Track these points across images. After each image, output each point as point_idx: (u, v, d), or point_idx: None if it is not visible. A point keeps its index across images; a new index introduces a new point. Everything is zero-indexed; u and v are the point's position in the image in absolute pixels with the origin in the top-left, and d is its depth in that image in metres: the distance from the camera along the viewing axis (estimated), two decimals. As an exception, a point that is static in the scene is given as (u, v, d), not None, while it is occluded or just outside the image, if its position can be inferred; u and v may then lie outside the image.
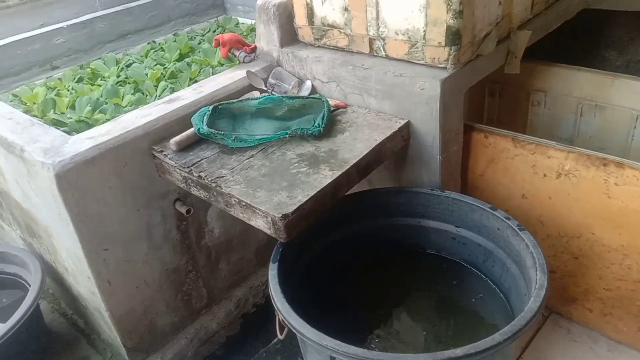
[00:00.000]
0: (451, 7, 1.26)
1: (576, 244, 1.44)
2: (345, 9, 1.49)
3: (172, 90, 2.62)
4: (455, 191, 1.52)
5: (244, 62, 1.75)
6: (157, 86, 2.74)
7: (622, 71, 2.28)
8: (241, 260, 1.82)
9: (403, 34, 1.40)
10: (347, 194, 1.39)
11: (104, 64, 3.08)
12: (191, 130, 1.45)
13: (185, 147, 1.43)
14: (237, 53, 1.76)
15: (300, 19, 1.63)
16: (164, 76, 2.83)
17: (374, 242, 1.49)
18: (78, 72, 3.01)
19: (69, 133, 1.72)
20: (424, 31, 1.35)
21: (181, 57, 3.09)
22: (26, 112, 2.52)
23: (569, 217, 1.41)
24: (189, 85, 2.68)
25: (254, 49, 1.76)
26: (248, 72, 1.64)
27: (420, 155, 1.46)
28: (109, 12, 3.25)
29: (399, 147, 1.45)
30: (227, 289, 1.84)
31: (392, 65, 1.44)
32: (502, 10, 1.44)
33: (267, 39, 1.71)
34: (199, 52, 3.10)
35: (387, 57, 1.47)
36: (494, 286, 1.34)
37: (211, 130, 1.40)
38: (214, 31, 3.45)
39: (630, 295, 1.41)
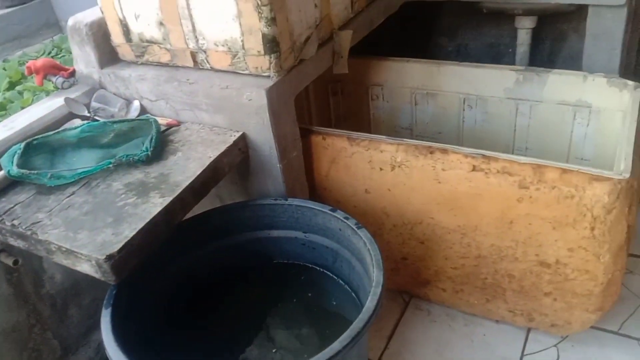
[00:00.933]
0: (263, 15, 1.24)
1: (420, 229, 1.50)
2: (161, 24, 1.41)
3: None
4: (303, 196, 1.52)
5: (62, 88, 1.60)
6: (-19, 121, 2.46)
7: (454, 56, 2.45)
8: (94, 301, 1.68)
9: (223, 45, 1.36)
10: (190, 217, 1.33)
11: None
12: (0, 173, 1.29)
13: (-6, 193, 1.27)
14: (53, 79, 1.60)
15: (116, 37, 1.53)
16: (-9, 109, 2.55)
17: (227, 261, 1.44)
18: None
19: None
20: (242, 41, 1.31)
21: (12, 86, 2.80)
22: None
23: (409, 206, 1.47)
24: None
25: (72, 73, 1.61)
26: (66, 99, 1.51)
27: (261, 166, 1.43)
28: None
29: (238, 160, 1.41)
30: (83, 335, 1.68)
31: (218, 78, 1.39)
32: (319, 12, 1.45)
33: (84, 61, 1.58)
34: (32, 77, 2.84)
35: (213, 69, 1.42)
36: (345, 286, 1.35)
37: (22, 171, 1.25)
38: (49, 52, 3.18)
39: (475, 270, 1.50)
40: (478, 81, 1.78)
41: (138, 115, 1.52)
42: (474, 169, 1.32)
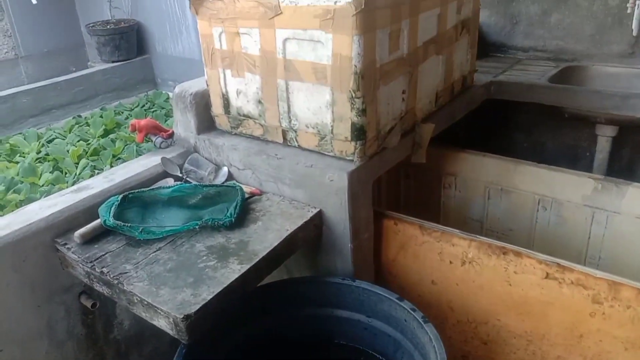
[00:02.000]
0: (355, 106, 1.33)
1: (484, 329, 1.47)
2: (259, 102, 1.54)
3: (93, 169, 2.57)
4: (368, 278, 1.55)
5: (160, 147, 1.74)
6: (77, 164, 2.68)
7: (529, 152, 2.46)
8: (155, 351, 1.74)
9: (313, 127, 1.45)
10: (259, 285, 1.38)
11: (25, 139, 2.99)
12: (97, 221, 1.40)
13: (91, 239, 1.38)
14: (153, 138, 1.75)
15: (216, 108, 1.67)
16: (86, 153, 2.78)
17: (288, 333, 1.47)
18: (-6, 148, 2.90)
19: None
20: (332, 126, 1.40)
21: (106, 133, 3.05)
22: None
23: (476, 304, 1.45)
24: (111, 164, 2.65)
25: (171, 135, 1.76)
26: (163, 158, 1.64)
27: (333, 243, 1.48)
28: (33, 87, 3.20)
29: (312, 235, 1.46)
30: (138, 383, 1.73)
31: (304, 156, 1.48)
32: (405, 105, 1.53)
33: (184, 126, 1.72)
34: (125, 127, 3.08)
35: (300, 147, 1.51)
36: (405, 378, 1.34)
37: (117, 222, 1.36)
38: (143, 106, 3.46)
39: (537, 379, 1.44)
40: (555, 184, 1.78)
41: (225, 181, 1.63)
42: (547, 276, 1.31)
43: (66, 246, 1.36)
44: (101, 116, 3.26)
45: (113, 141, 2.90)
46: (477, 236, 1.41)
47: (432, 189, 2.04)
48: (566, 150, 2.36)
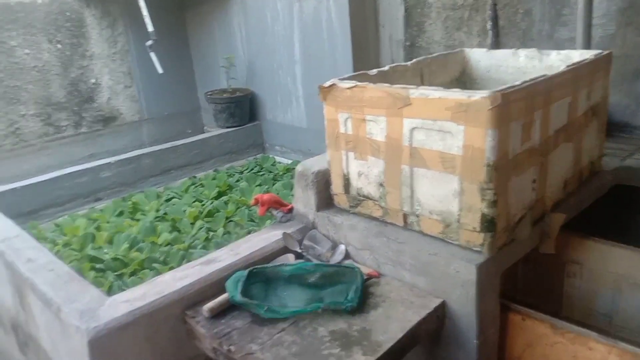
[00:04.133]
0: (485, 198, 1.31)
1: None
2: (381, 185, 1.55)
3: (208, 231, 2.70)
4: (491, 375, 1.46)
5: (280, 221, 1.80)
6: (193, 224, 2.83)
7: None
8: None
9: (437, 214, 1.44)
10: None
11: (145, 197, 3.23)
12: (224, 296, 1.46)
13: (218, 313, 1.43)
14: (274, 212, 1.82)
15: (336, 188, 1.71)
16: (201, 214, 2.94)
17: None
18: (120, 205, 3.15)
19: (108, 290, 1.78)
20: (459, 215, 1.38)
21: (219, 195, 3.22)
22: (65, 245, 2.61)
23: (616, 417, 1.32)
24: (224, 225, 2.78)
25: (290, 210, 1.82)
26: (285, 234, 1.69)
27: (455, 337, 1.42)
28: (155, 150, 3.47)
29: (434, 327, 1.42)
30: None
31: (427, 243, 1.46)
32: (535, 194, 1.48)
33: (304, 202, 1.78)
34: (237, 190, 3.23)
35: (421, 232, 1.50)
36: None
37: (245, 299, 1.41)
38: (252, 169, 3.62)
39: None
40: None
41: (342, 260, 1.64)
42: None
43: (195, 319, 1.42)
44: (214, 178, 3.45)
45: (226, 203, 3.04)
46: (619, 342, 1.30)
47: (554, 276, 1.92)
48: None
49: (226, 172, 3.53)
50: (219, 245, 2.47)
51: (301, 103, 3.41)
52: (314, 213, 1.75)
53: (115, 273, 2.35)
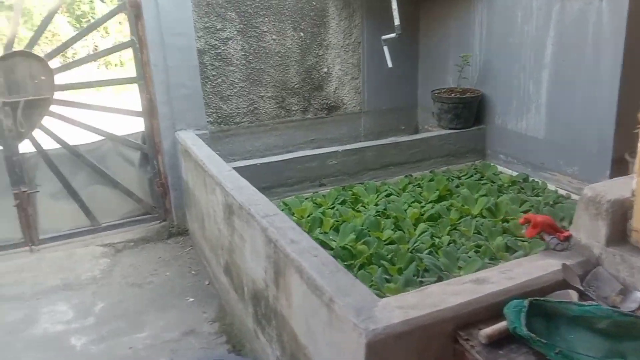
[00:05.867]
0: None
1: None
2: None
3: (432, 236, 2.60)
4: None
5: (554, 249, 1.60)
6: (415, 225, 2.76)
7: None
8: None
9: None
10: None
11: (365, 190, 3.25)
12: (503, 324, 1.32)
13: (494, 342, 1.31)
14: (547, 238, 1.63)
15: (637, 222, 1.45)
16: (422, 216, 2.85)
17: None
18: (341, 193, 3.22)
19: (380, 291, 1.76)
20: None
21: (439, 199, 3.09)
22: (297, 223, 2.74)
23: None
24: (448, 232, 2.65)
25: (567, 238, 1.61)
26: (565, 266, 1.49)
27: None
28: (377, 144, 3.48)
29: None
30: None
31: None
32: None
33: (588, 233, 1.55)
34: (458, 197, 3.08)
35: None
36: None
37: (531, 335, 1.25)
38: (471, 176, 3.43)
39: None
40: None
41: (637, 309, 1.39)
42: None
43: (469, 342, 1.32)
44: (431, 179, 3.34)
45: (448, 209, 2.91)
46: None
47: None
48: None
49: (444, 176, 3.39)
50: (448, 255, 2.35)
51: (542, 111, 3.10)
52: (602, 247, 1.52)
53: (345, 263, 2.37)
